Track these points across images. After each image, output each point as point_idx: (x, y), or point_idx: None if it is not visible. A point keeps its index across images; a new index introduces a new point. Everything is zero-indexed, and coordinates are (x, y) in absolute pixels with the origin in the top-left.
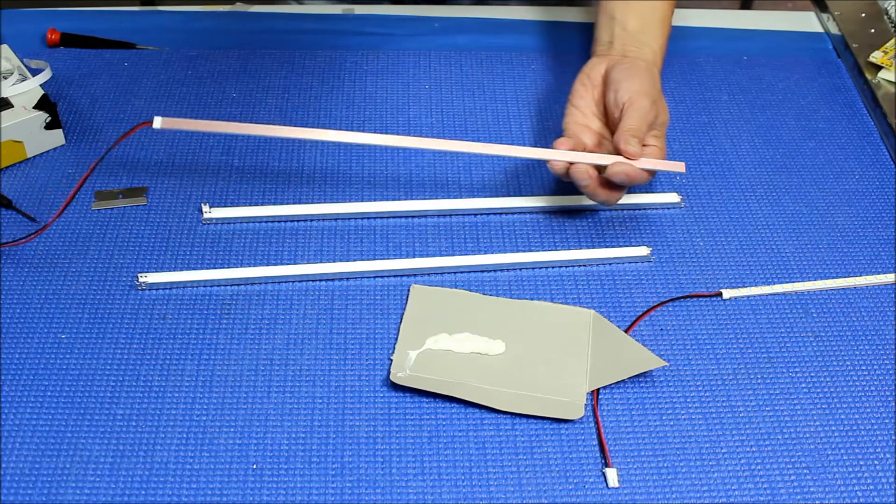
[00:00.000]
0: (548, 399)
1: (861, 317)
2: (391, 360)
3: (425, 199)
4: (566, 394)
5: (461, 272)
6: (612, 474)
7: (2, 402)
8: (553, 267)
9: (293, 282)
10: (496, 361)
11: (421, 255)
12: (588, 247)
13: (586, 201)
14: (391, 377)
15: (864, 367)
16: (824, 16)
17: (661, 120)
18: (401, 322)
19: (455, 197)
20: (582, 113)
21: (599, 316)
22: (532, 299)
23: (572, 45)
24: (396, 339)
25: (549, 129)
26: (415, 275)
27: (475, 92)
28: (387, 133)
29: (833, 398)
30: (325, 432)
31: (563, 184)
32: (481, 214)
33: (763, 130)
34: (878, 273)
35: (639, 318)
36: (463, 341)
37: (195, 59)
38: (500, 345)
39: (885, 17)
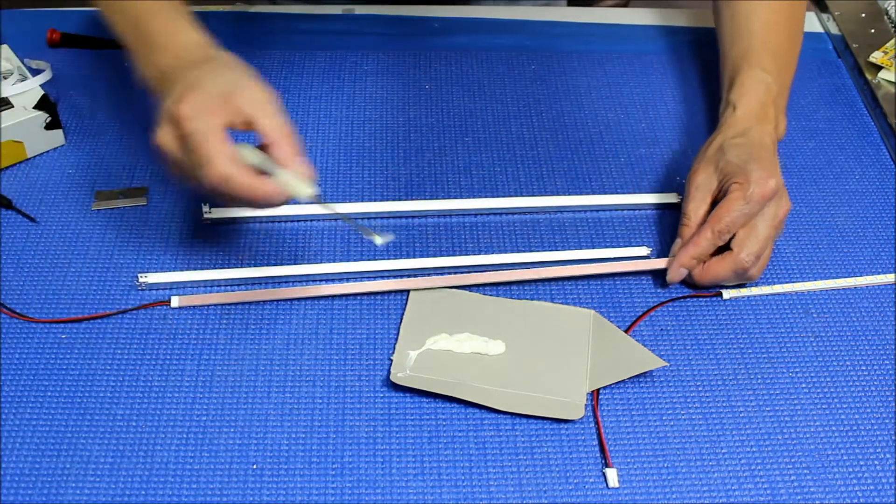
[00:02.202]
0: (548, 399)
1: (861, 317)
2: (391, 361)
3: (425, 199)
4: (566, 394)
5: (461, 272)
6: (612, 474)
7: (2, 402)
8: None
9: (293, 282)
10: (496, 361)
11: (421, 256)
12: (588, 247)
13: (585, 201)
14: (391, 377)
15: (864, 367)
16: (824, 16)
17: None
18: (401, 322)
19: (455, 197)
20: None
21: (599, 316)
22: (532, 299)
23: (572, 44)
24: (396, 339)
25: (547, 130)
26: (415, 275)
27: (475, 92)
28: (386, 132)
29: (833, 398)
30: (325, 432)
31: (563, 184)
32: (481, 214)
33: None
34: (878, 273)
35: (639, 318)
36: (463, 341)
37: None
38: (500, 345)
39: (885, 17)
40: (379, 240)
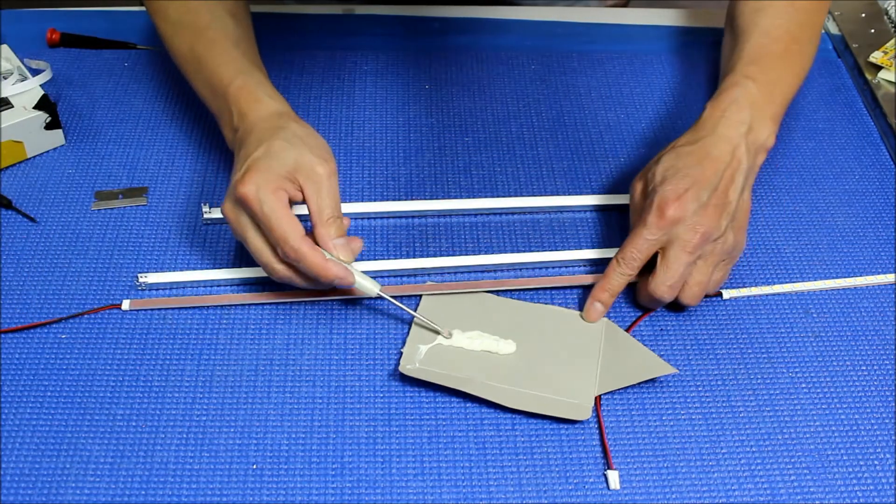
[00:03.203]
0: (556, 399)
1: (861, 317)
2: (401, 353)
3: (425, 199)
4: (574, 395)
5: (461, 272)
6: (613, 476)
7: (2, 402)
8: (553, 267)
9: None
10: (506, 360)
11: (421, 256)
12: (588, 247)
13: (585, 201)
14: (400, 369)
15: (864, 367)
16: None
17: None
18: (412, 318)
19: (455, 197)
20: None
21: (612, 323)
22: (533, 300)
23: (572, 44)
24: (407, 333)
25: (547, 130)
26: (415, 275)
27: (475, 92)
28: (386, 132)
29: (833, 398)
30: (325, 432)
31: (563, 184)
32: (481, 214)
33: None
34: (878, 273)
35: (639, 318)
36: (474, 339)
37: None
38: (511, 345)
39: (885, 17)
40: (444, 333)
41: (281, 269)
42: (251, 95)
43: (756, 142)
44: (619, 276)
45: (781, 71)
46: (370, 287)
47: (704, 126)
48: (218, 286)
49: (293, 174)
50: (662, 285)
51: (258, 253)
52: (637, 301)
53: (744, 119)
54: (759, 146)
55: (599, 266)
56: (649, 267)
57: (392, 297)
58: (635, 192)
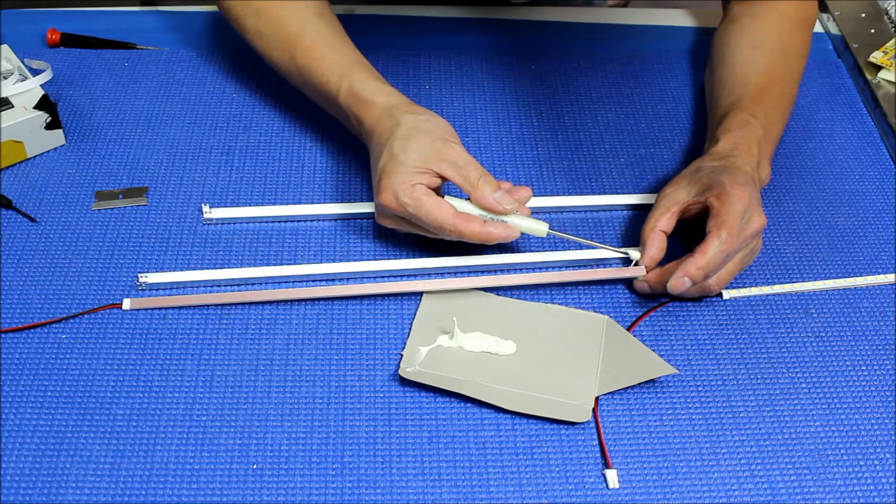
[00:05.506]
0: (555, 401)
1: (861, 317)
2: (401, 356)
3: None
4: (574, 397)
5: (462, 273)
6: (612, 475)
7: (2, 402)
8: (554, 268)
9: (293, 282)
10: (506, 361)
11: (420, 256)
12: (588, 247)
13: (585, 201)
14: (400, 372)
15: (864, 367)
16: (824, 16)
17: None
18: (413, 319)
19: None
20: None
21: (613, 322)
22: (534, 300)
23: (571, 44)
24: (408, 335)
25: (547, 130)
26: (415, 275)
27: (475, 92)
28: None
29: (833, 398)
30: (325, 432)
31: (563, 184)
32: None
33: None
34: (878, 273)
35: (639, 318)
36: (474, 340)
37: (195, 59)
38: (511, 345)
39: (885, 17)
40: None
41: (454, 238)
42: (360, 100)
43: (759, 176)
44: (719, 252)
45: (777, 114)
46: (538, 228)
47: (721, 152)
48: (218, 286)
49: (424, 165)
50: (720, 251)
51: (432, 235)
52: (656, 282)
53: (754, 153)
54: (761, 181)
55: (599, 266)
56: (664, 262)
57: (558, 232)
58: (668, 190)
